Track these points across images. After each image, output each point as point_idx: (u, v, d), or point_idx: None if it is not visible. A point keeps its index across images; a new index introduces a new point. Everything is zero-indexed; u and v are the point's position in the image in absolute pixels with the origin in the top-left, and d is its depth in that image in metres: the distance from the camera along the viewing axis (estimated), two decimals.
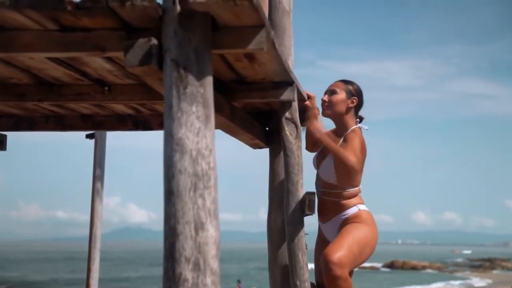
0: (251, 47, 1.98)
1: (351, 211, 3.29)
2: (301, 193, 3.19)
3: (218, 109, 2.81)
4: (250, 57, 2.48)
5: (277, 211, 3.46)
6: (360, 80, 3.53)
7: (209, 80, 1.86)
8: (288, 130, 3.19)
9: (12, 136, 3.95)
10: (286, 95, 2.98)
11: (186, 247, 1.76)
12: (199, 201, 1.78)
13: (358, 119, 3.44)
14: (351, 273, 3.25)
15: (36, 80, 2.92)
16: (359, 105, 3.43)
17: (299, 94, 3.29)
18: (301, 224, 3.18)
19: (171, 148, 1.80)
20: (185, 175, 1.78)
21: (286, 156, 3.19)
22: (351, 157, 3.16)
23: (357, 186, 3.34)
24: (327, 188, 3.36)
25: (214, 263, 1.77)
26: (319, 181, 3.43)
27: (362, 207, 3.32)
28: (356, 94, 3.40)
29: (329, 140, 3.25)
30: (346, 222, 3.26)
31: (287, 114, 3.19)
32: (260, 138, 3.59)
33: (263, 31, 1.97)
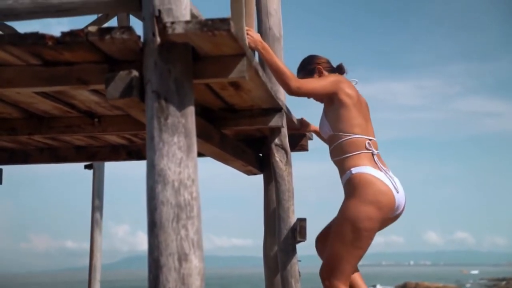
0: (233, 76, 1.98)
1: (345, 177, 2.95)
2: (293, 219, 3.17)
3: (207, 138, 2.81)
4: (235, 85, 2.49)
5: (272, 238, 3.45)
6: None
7: (190, 110, 1.86)
8: (278, 157, 3.18)
9: (16, 169, 3.94)
10: (275, 121, 2.99)
11: (170, 279, 1.74)
12: (182, 232, 1.77)
13: (338, 71, 3.26)
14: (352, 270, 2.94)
15: (26, 114, 2.94)
16: (327, 65, 3.26)
17: (289, 120, 3.30)
18: (293, 251, 3.15)
19: (153, 180, 1.80)
20: (167, 206, 1.77)
21: (276, 182, 3.18)
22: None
23: (355, 134, 2.97)
24: (330, 144, 3.10)
25: None
26: (329, 147, 3.14)
27: (356, 169, 2.89)
28: (314, 63, 3.24)
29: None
30: (345, 194, 2.96)
31: (276, 141, 3.19)
32: (253, 165, 3.59)
33: (244, 60, 1.97)
